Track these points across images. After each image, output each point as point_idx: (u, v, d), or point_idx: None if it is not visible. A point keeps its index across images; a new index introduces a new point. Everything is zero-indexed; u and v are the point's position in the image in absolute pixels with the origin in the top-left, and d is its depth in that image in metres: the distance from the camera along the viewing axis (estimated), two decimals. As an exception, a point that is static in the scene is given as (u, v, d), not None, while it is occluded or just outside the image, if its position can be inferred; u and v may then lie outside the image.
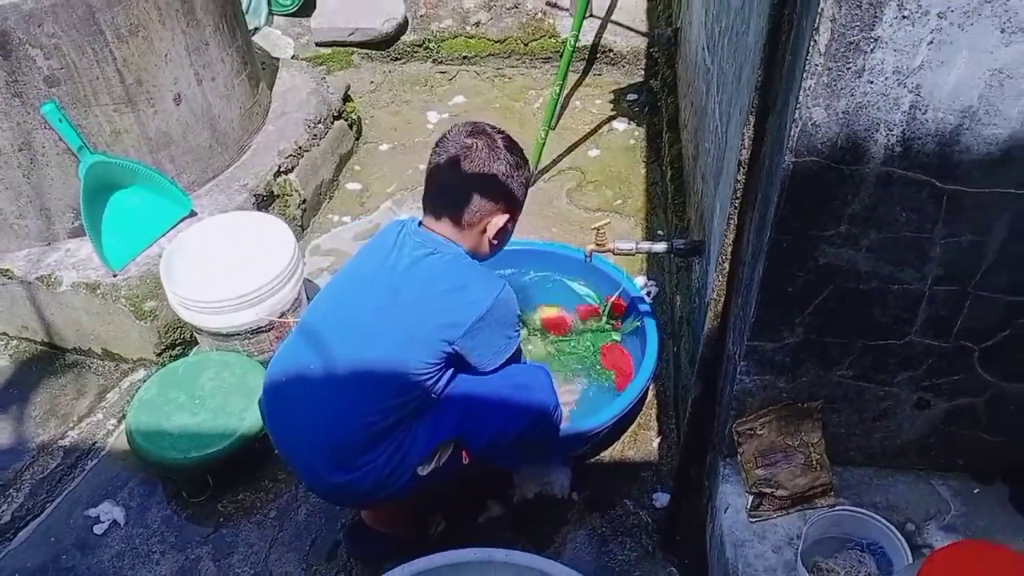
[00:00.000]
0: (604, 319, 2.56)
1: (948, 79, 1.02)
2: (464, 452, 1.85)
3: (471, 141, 1.83)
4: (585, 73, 3.91)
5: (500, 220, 1.86)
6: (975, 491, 1.59)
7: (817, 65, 1.03)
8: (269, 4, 4.04)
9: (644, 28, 3.89)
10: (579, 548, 2.19)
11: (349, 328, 1.85)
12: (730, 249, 1.44)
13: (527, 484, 2.34)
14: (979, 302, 1.28)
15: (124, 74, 2.50)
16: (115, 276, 2.59)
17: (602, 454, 2.42)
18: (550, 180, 3.36)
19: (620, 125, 3.64)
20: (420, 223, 1.91)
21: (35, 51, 2.32)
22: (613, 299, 2.55)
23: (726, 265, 1.46)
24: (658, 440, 2.45)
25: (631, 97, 3.78)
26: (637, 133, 3.58)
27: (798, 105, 1.08)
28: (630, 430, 2.46)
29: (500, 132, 1.90)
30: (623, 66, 3.89)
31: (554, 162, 3.42)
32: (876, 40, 1.00)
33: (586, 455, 2.39)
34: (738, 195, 1.36)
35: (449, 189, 1.84)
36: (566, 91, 3.63)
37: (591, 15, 3.78)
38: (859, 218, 1.19)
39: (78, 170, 2.52)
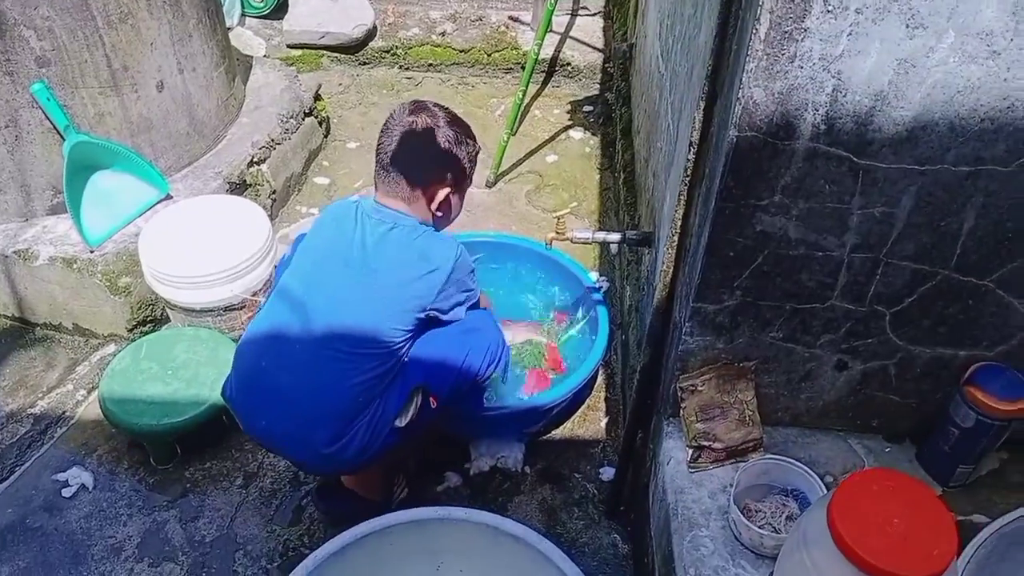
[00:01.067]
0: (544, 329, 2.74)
1: (864, 66, 1.23)
2: (432, 398, 2.01)
3: (412, 119, 1.99)
4: (544, 84, 4.12)
5: (441, 193, 2.02)
6: (886, 450, 1.79)
7: (758, 51, 1.23)
8: (242, 5, 4.17)
9: (600, 44, 4.13)
10: (530, 516, 2.34)
11: (329, 306, 1.98)
12: (679, 223, 1.63)
13: (483, 458, 2.48)
14: (889, 269, 1.48)
15: (111, 59, 2.62)
16: (92, 252, 2.69)
17: (554, 432, 2.58)
18: (510, 182, 3.55)
19: (576, 134, 3.85)
20: (375, 199, 2.05)
21: (29, 32, 2.43)
22: (555, 312, 2.77)
23: (675, 237, 1.65)
24: (606, 420, 2.62)
25: (587, 108, 4.00)
26: (592, 142, 3.80)
27: (741, 86, 1.28)
28: (580, 411, 2.64)
29: (443, 109, 2.06)
30: (580, 79, 4.11)
31: (514, 166, 3.61)
32: (806, 30, 1.20)
33: (539, 432, 2.56)
34: (688, 172, 1.55)
35: (394, 165, 1.99)
36: (526, 101, 3.82)
37: (551, 31, 3.99)
38: (790, 189, 1.39)
39: (62, 149, 2.62)
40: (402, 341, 1.97)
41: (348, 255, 2.00)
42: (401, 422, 1.97)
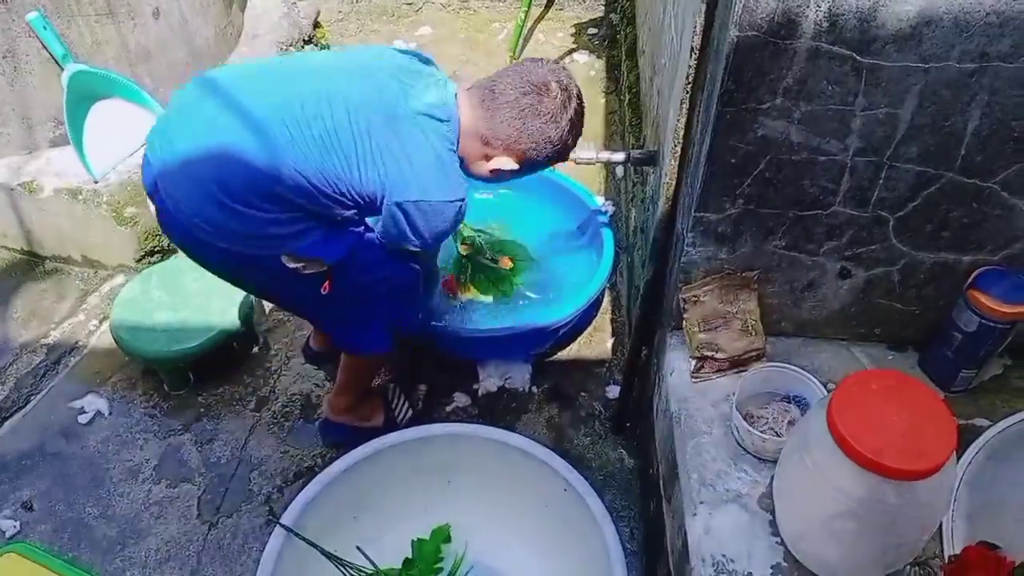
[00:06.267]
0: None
1: (866, -42, 1.21)
2: (328, 283, 1.88)
3: (555, 89, 1.79)
4: (548, 7, 4.05)
5: (507, 162, 1.85)
6: (889, 357, 1.80)
7: (757, -55, 1.21)
8: (238, -67, 4.09)
9: (605, -36, 4.05)
10: (538, 434, 2.38)
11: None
12: (681, 132, 1.61)
13: (491, 379, 2.52)
14: (893, 172, 1.47)
15: (106, -16, 2.59)
16: (96, 183, 2.69)
17: (560, 353, 2.61)
18: (514, 107, 3.51)
19: (581, 57, 3.80)
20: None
21: (21, -43, 2.40)
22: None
23: (678, 148, 1.64)
24: (611, 341, 2.65)
25: (592, 31, 3.94)
26: (597, 65, 3.75)
27: (741, -17, 1.26)
28: (586, 332, 2.66)
29: (580, 101, 1.86)
30: (585, 1, 4.04)
31: (517, 90, 3.56)
32: (806, -79, 1.18)
33: (546, 353, 2.58)
34: (689, 80, 1.53)
35: (500, 97, 1.79)
36: (530, 24, 3.76)
37: (554, -49, 3.92)
38: (792, 91, 1.37)
39: (61, 79, 2.60)
40: (331, 198, 1.75)
41: (365, 89, 1.76)
42: (287, 262, 1.81)
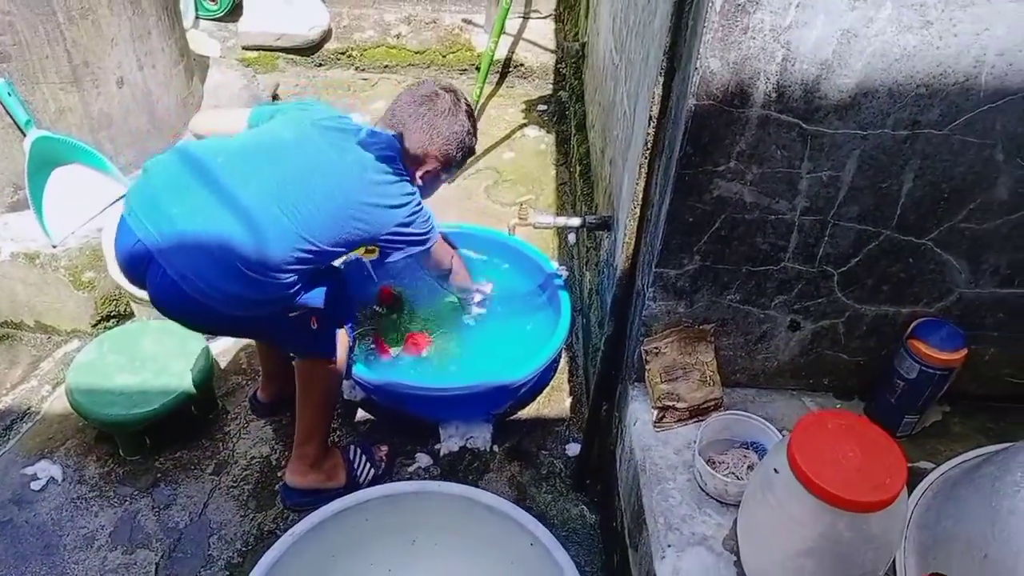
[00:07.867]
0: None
1: (810, 36, 1.34)
2: (313, 319, 2.15)
3: (443, 94, 2.17)
4: (499, 85, 4.22)
5: (431, 165, 2.17)
6: (837, 406, 1.91)
7: (713, 22, 1.33)
8: (196, 8, 4.19)
9: (552, 46, 4.25)
10: (500, 492, 2.41)
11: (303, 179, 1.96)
12: (640, 194, 1.72)
13: (453, 439, 2.55)
14: (836, 230, 1.59)
15: (72, 55, 2.64)
16: (55, 248, 2.69)
17: (520, 412, 2.66)
18: (469, 178, 3.63)
19: (532, 132, 3.95)
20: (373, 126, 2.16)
21: (-11, 26, 2.44)
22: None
23: (637, 209, 1.75)
24: (570, 400, 2.71)
25: (541, 107, 4.11)
26: (547, 139, 3.90)
27: (699, 57, 1.38)
28: (545, 392, 2.72)
29: (468, 101, 2.25)
30: (534, 80, 4.22)
31: (472, 162, 3.69)
32: (757, 3, 1.30)
33: (506, 413, 2.64)
34: (648, 146, 1.64)
35: (401, 115, 2.13)
36: (482, 101, 3.92)
37: (505, 33, 4.09)
38: (745, 155, 1.49)
39: (23, 144, 2.63)
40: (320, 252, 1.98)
41: (305, 143, 2.03)
42: (291, 314, 2.09)
